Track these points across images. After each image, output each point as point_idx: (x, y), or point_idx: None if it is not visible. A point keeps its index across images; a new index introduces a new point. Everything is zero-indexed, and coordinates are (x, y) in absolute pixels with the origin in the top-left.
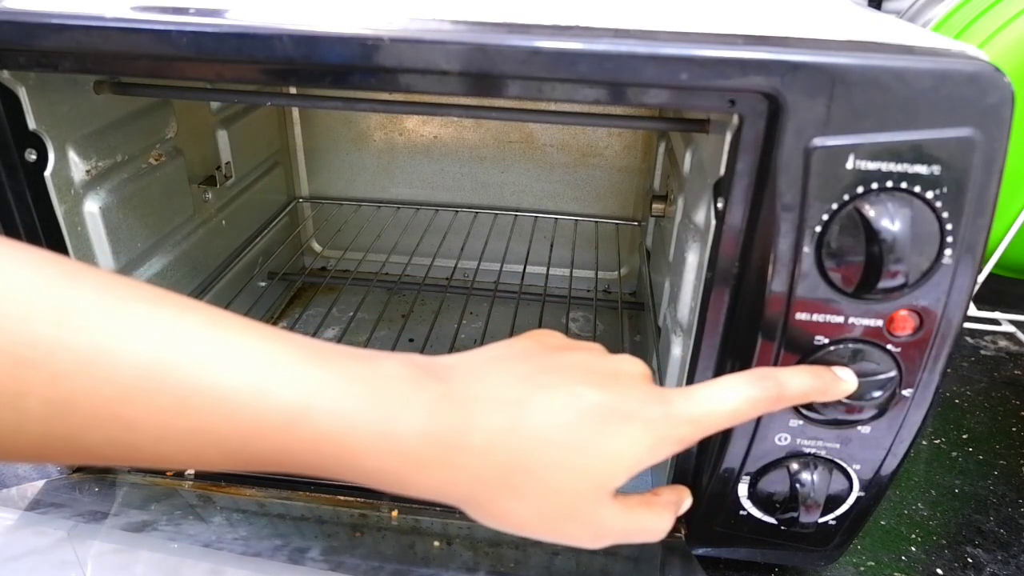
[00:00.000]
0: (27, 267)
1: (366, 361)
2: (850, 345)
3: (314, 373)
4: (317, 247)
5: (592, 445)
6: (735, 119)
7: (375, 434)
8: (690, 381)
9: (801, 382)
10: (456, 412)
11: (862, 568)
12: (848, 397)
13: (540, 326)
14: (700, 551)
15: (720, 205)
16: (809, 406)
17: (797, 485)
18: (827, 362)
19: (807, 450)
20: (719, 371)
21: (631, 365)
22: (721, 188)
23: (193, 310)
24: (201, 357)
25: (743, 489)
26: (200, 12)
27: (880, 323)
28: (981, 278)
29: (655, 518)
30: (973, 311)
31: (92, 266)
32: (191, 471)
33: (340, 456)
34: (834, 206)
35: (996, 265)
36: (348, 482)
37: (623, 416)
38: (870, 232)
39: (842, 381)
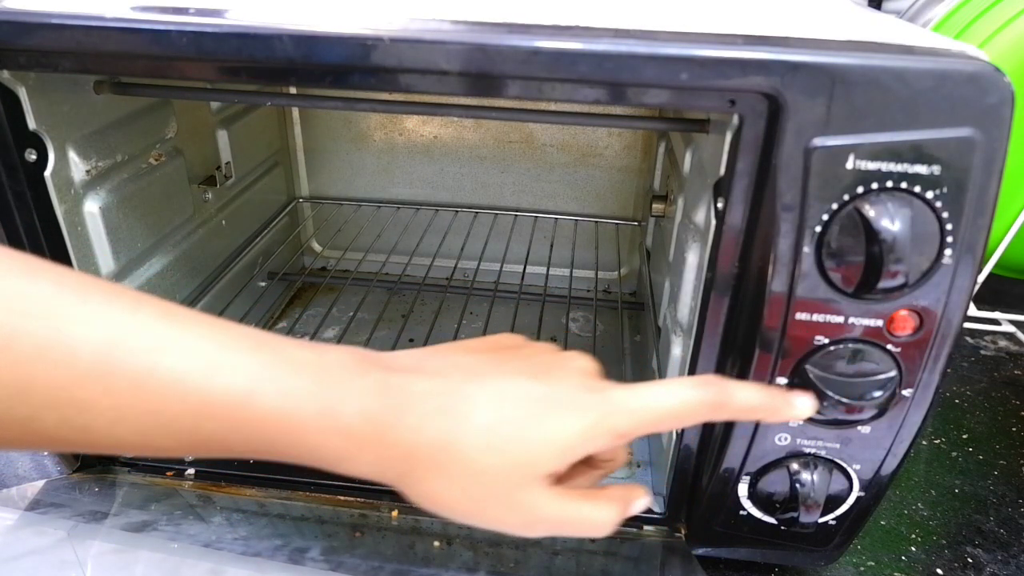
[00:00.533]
0: None
1: (312, 350)
2: (850, 345)
3: (262, 358)
4: (317, 247)
5: (522, 429)
6: (735, 119)
7: (319, 413)
8: None
9: (749, 397)
10: (394, 394)
11: (862, 568)
12: (848, 397)
13: (540, 326)
14: (700, 551)
15: (720, 205)
16: None
17: (797, 485)
18: (826, 363)
19: (807, 450)
20: (719, 371)
21: (578, 360)
22: (721, 188)
23: (146, 303)
24: (154, 344)
25: (743, 489)
26: (200, 12)
27: (880, 323)
28: (981, 278)
29: (596, 510)
30: (973, 311)
31: (49, 261)
32: (191, 471)
33: (285, 434)
34: (834, 206)
35: (996, 265)
36: (292, 461)
37: (555, 403)
38: (870, 232)
39: (795, 408)
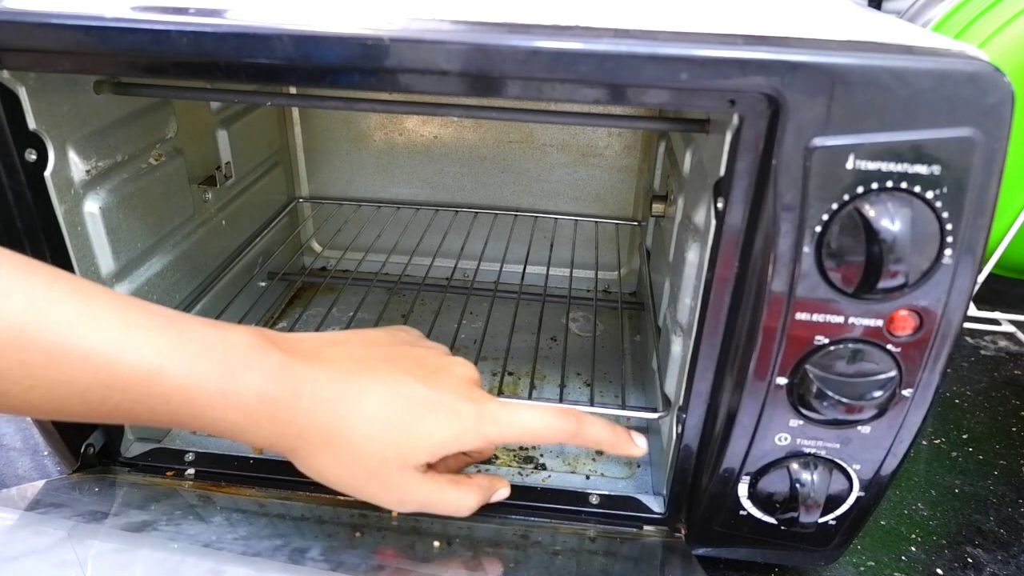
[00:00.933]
0: None
1: (218, 330)
2: (850, 345)
3: (170, 336)
4: (317, 247)
5: (402, 423)
6: (735, 119)
7: (220, 392)
8: (690, 381)
9: (598, 431)
10: (291, 379)
11: (862, 568)
12: (848, 397)
13: (540, 326)
14: (700, 551)
15: (720, 205)
16: (810, 406)
17: (797, 485)
18: (826, 363)
19: (807, 450)
20: (719, 371)
21: (462, 368)
22: (721, 188)
23: (62, 279)
24: (68, 319)
25: (743, 489)
26: (200, 12)
27: (880, 323)
28: (981, 278)
29: (459, 495)
30: (973, 311)
31: None
32: (191, 471)
33: (188, 408)
34: (834, 206)
35: (996, 265)
36: (194, 430)
37: (435, 404)
38: (870, 232)
39: (634, 446)
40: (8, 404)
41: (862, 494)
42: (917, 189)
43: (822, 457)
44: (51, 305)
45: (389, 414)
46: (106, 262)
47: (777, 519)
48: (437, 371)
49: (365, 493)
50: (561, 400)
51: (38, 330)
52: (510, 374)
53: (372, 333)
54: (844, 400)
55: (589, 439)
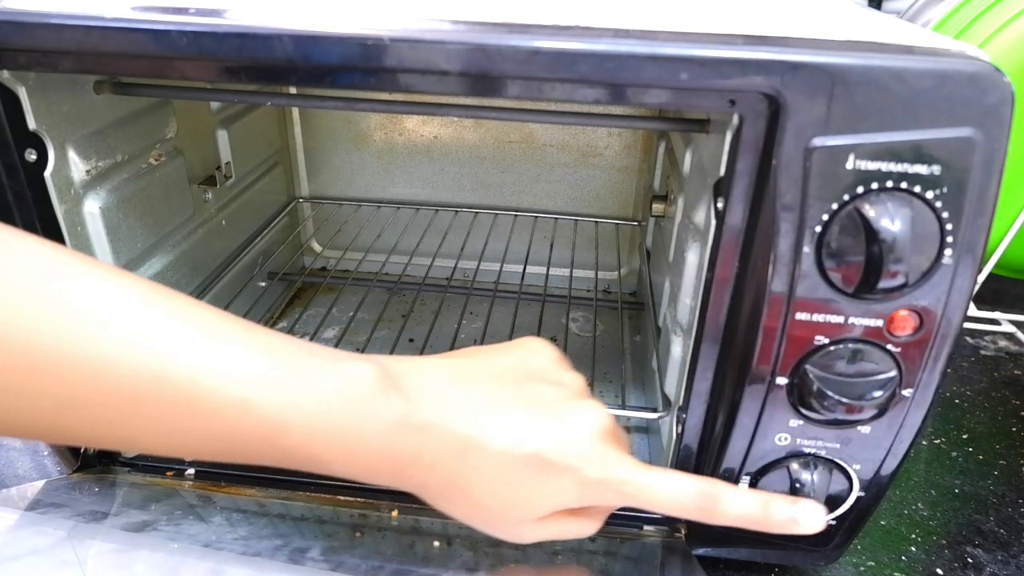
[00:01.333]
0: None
1: (339, 369)
2: (850, 345)
3: (292, 388)
4: (317, 247)
5: (523, 486)
6: (735, 119)
7: (343, 449)
8: (690, 381)
9: (742, 508)
10: (414, 433)
11: (862, 568)
12: (848, 397)
13: (540, 326)
14: (700, 551)
15: (720, 205)
16: (810, 406)
17: (797, 485)
18: (826, 363)
19: (807, 450)
20: (719, 371)
21: (594, 416)
22: (721, 188)
23: (190, 318)
24: (193, 372)
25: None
26: (200, 12)
27: (880, 323)
28: (981, 278)
29: (578, 525)
30: (973, 311)
31: (84, 261)
32: (191, 471)
33: (311, 461)
34: (834, 206)
35: (996, 265)
36: (317, 472)
37: (559, 469)
38: (870, 232)
39: (797, 524)
40: (139, 446)
41: (862, 494)
42: (917, 189)
43: (822, 457)
44: (178, 353)
45: (511, 476)
46: (106, 262)
47: None
48: (567, 428)
49: (487, 532)
50: None
51: (168, 381)
52: None
53: (502, 361)
54: (844, 400)
55: (729, 518)
